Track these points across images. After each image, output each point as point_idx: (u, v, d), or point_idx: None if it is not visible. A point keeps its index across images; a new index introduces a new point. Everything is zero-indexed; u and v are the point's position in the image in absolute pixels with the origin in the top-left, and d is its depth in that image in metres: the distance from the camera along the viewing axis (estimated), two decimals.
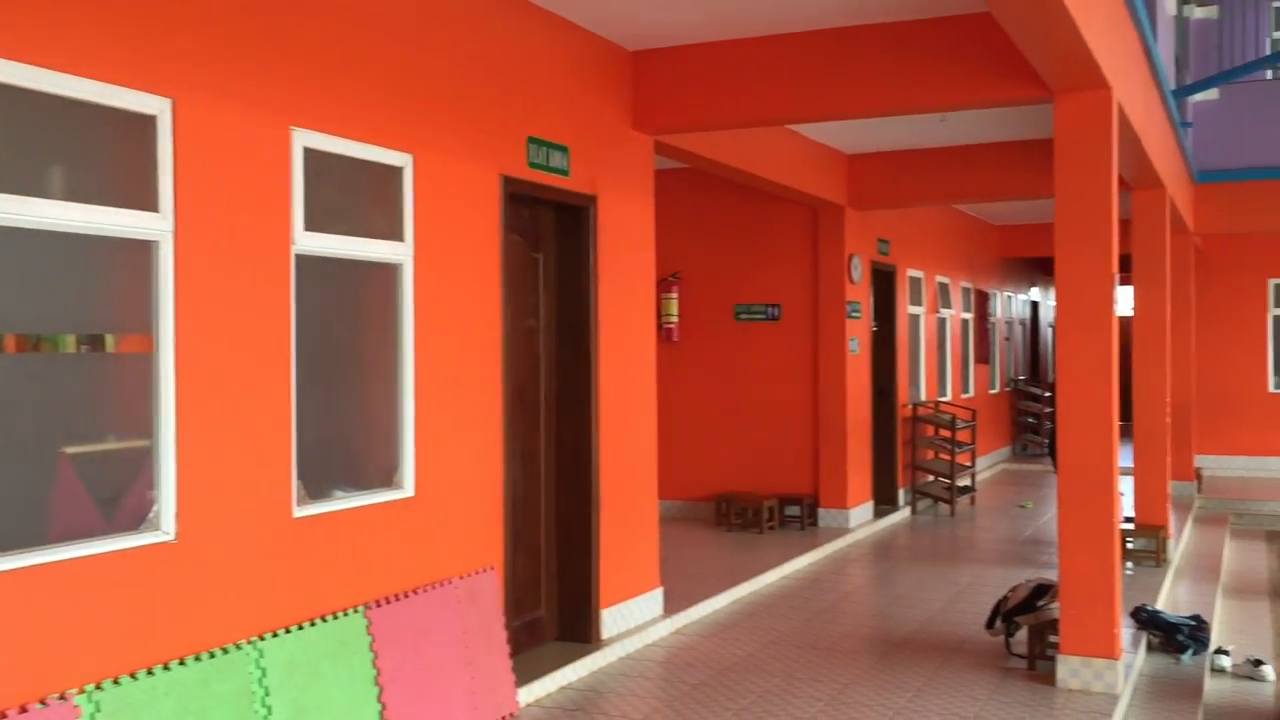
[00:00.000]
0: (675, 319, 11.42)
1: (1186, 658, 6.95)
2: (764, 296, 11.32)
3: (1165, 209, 10.01)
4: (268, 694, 4.19)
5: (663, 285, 11.28)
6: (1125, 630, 6.99)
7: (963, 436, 13.33)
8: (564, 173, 6.40)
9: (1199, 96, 13.73)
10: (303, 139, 4.56)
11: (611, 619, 6.82)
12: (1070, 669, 6.05)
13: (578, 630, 6.67)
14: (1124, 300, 10.78)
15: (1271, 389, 15.65)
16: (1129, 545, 9.58)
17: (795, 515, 10.99)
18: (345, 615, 4.65)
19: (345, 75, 4.79)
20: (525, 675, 5.88)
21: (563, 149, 6.38)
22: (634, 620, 7.06)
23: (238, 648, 4.15)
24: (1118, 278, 6.36)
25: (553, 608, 6.68)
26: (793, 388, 11.19)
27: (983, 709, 5.73)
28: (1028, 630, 6.47)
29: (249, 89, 4.29)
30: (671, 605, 7.52)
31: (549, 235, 6.69)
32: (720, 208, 11.36)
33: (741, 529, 10.73)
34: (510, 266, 6.11)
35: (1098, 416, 6.11)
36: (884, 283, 12.29)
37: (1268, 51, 14.76)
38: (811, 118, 7.49)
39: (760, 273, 11.33)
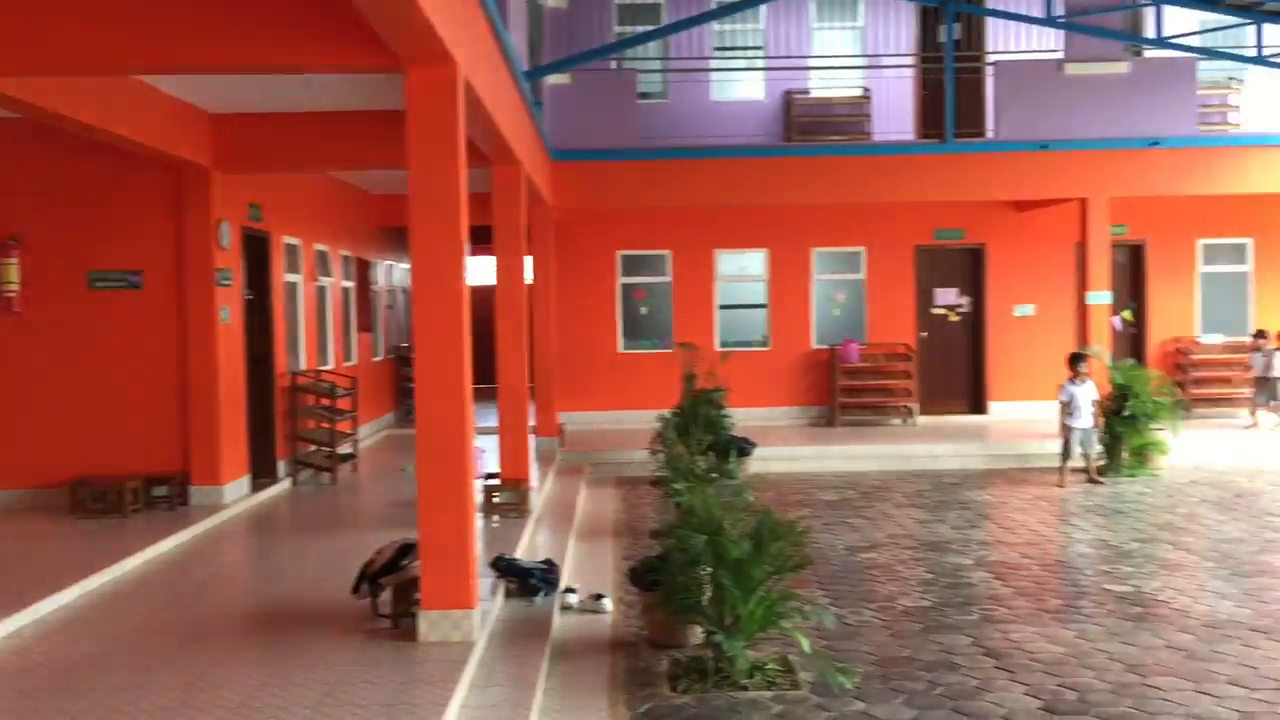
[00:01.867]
0: (15, 287, 10.22)
1: (539, 599, 7.52)
2: (123, 263, 10.48)
3: (522, 184, 10.70)
4: None
5: None
6: (485, 580, 7.42)
7: (344, 404, 13.37)
8: None
9: (552, 79, 14.86)
10: None
11: None
12: (430, 623, 6.29)
13: None
14: (488, 269, 11.43)
15: (620, 350, 17.46)
16: (496, 500, 10.19)
17: (164, 495, 10.32)
18: None
19: None
20: None
21: None
22: None
23: None
24: (469, 247, 6.64)
25: None
26: (158, 359, 10.50)
27: (345, 674, 5.77)
28: (392, 590, 6.62)
29: None
30: (4, 608, 6.72)
31: None
32: (68, 165, 10.30)
33: (102, 514, 9.88)
34: None
35: (451, 380, 6.36)
36: (257, 249, 11.89)
37: (612, 42, 16.34)
38: (150, 69, 7.02)
39: (118, 237, 10.46)
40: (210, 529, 9.78)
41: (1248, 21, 15.65)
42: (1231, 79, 17.57)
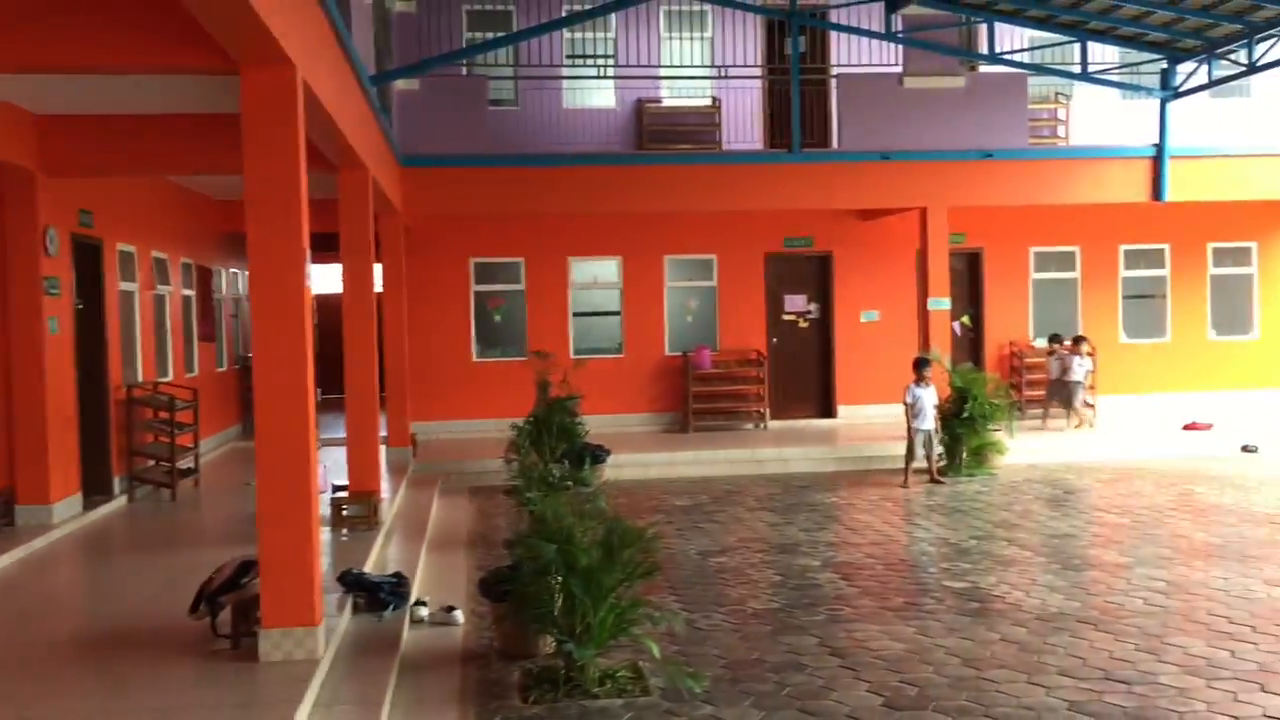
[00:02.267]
0: None
1: (388, 614, 7.37)
2: None
3: (368, 190, 10.50)
4: None
5: None
6: (332, 596, 7.25)
7: (184, 417, 12.89)
8: None
9: (401, 85, 14.66)
10: None
11: None
12: (273, 642, 6.10)
13: None
14: (335, 276, 11.19)
15: (475, 358, 17.29)
16: (345, 512, 9.97)
17: None
18: None
19: None
20: None
21: None
22: None
23: None
24: (311, 254, 6.47)
25: None
26: None
27: (181, 698, 5.55)
28: (232, 609, 6.40)
29: None
30: None
31: None
32: None
33: None
34: None
35: (292, 389, 6.18)
36: (89, 257, 11.37)
37: (462, 48, 16.19)
38: None
39: None
40: (38, 550, 9.29)
41: (1074, 40, 16.44)
42: (1060, 94, 18.41)
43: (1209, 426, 15.70)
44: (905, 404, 13.20)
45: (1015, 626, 7.35)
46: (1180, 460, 14.40)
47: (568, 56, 17.97)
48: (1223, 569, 8.71)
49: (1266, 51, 14.82)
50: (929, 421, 13.14)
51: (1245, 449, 14.96)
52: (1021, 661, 6.64)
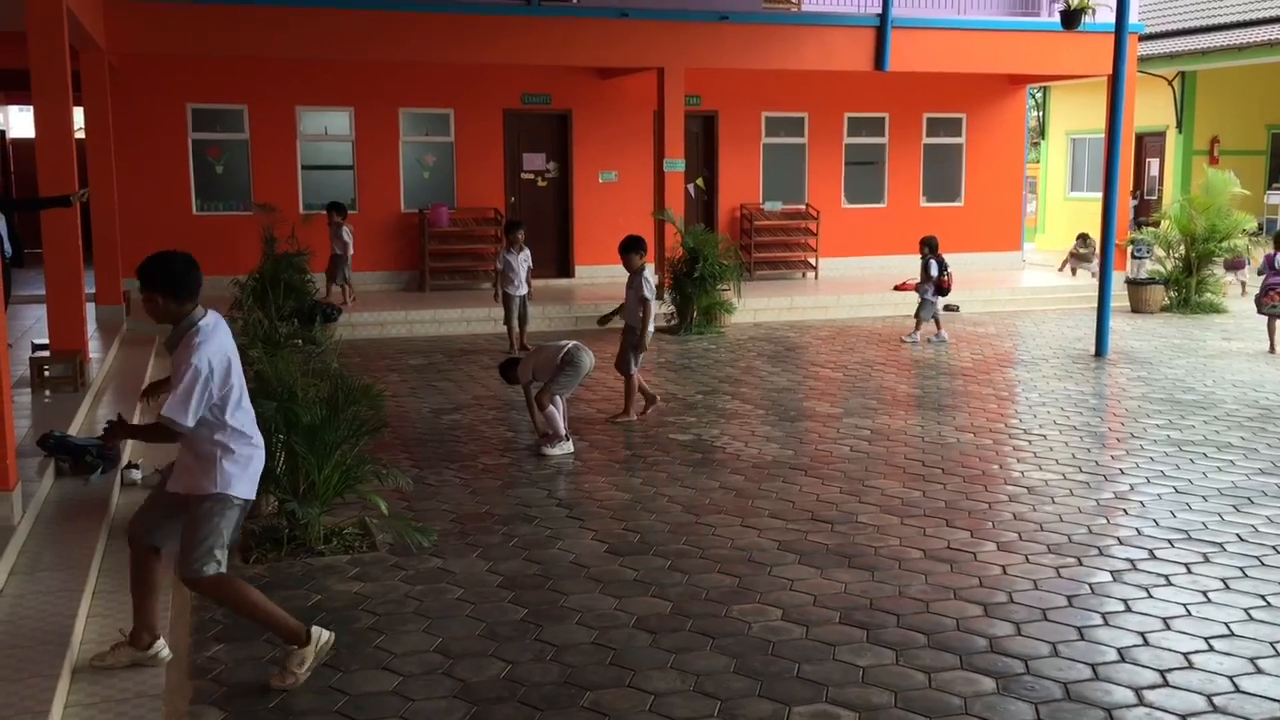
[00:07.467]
0: None
1: (95, 478, 6.99)
2: None
3: (63, 19, 9.52)
4: None
5: None
6: (33, 460, 6.81)
7: None
8: None
9: None
10: None
11: None
12: None
13: None
14: (26, 120, 10.19)
15: (195, 211, 16.28)
16: (47, 373, 9.30)
17: None
18: None
19: None
20: None
21: None
22: None
23: None
24: None
25: None
26: None
27: None
28: None
29: None
30: None
31: None
32: None
33: None
34: None
35: None
36: None
37: None
38: None
39: None
40: None
41: None
42: None
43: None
44: (496, 269, 12.55)
45: (734, 475, 7.74)
46: (893, 319, 15.38)
47: None
48: (920, 417, 9.43)
49: None
50: (522, 287, 12.60)
51: (948, 308, 16.12)
52: (737, 507, 7.01)
